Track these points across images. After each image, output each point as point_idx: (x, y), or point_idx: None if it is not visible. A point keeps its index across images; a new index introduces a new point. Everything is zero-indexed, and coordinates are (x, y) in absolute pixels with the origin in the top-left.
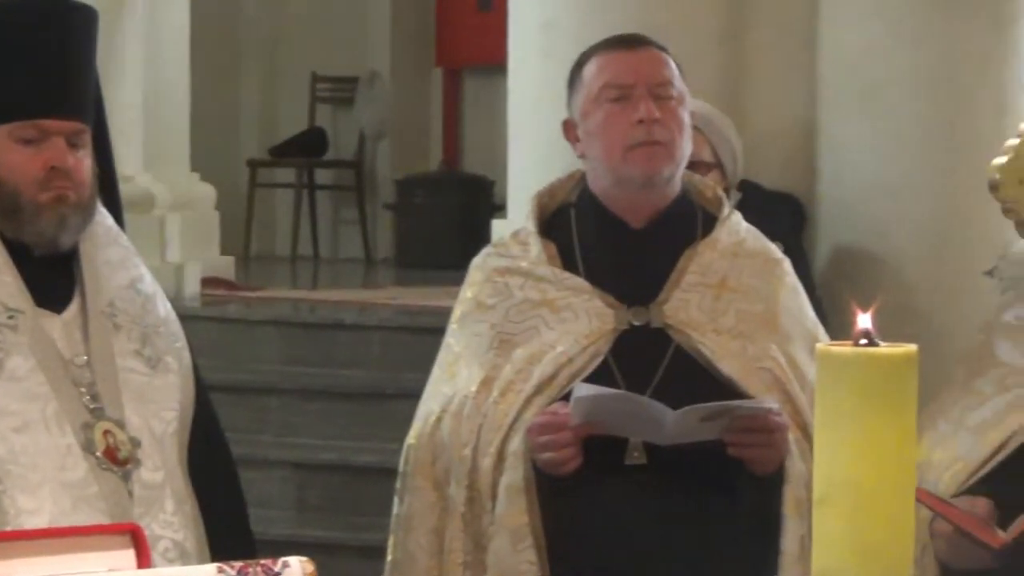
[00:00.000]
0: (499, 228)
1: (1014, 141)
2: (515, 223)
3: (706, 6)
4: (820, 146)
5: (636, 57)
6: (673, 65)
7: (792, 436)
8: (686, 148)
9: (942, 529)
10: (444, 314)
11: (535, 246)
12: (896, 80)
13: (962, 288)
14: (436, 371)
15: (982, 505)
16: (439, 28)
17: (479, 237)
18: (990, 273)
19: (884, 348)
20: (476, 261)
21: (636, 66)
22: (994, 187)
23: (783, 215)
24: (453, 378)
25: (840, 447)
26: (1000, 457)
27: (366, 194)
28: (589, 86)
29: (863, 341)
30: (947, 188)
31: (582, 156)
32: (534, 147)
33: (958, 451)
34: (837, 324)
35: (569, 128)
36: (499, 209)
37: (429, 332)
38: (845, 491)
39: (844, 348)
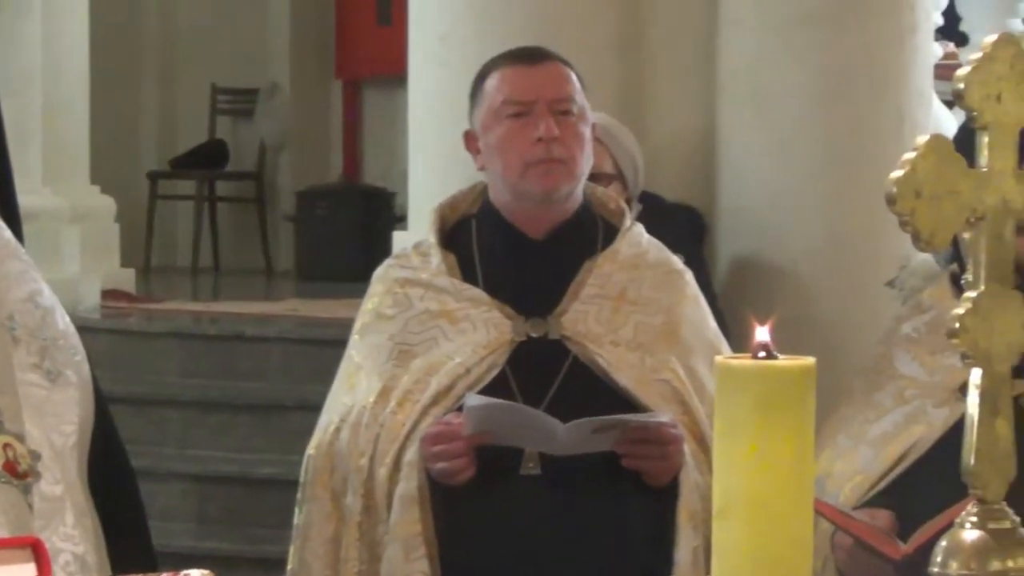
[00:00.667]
0: (400, 240)
1: (911, 155)
2: (416, 235)
3: (604, 18)
4: (719, 157)
5: (537, 73)
6: (575, 79)
7: (688, 448)
8: (586, 164)
9: (843, 542)
10: (345, 326)
11: (436, 257)
12: (793, 91)
13: (861, 298)
14: (337, 382)
15: (883, 517)
16: (339, 40)
17: (380, 249)
18: (891, 284)
19: (782, 361)
20: (378, 273)
21: (537, 82)
22: (891, 200)
23: (683, 226)
24: (353, 388)
25: (739, 460)
26: (900, 469)
27: (267, 206)
28: (490, 100)
29: (761, 354)
30: (845, 199)
31: (482, 169)
32: (434, 158)
33: (858, 464)
34: (738, 335)
35: (470, 140)
36: (400, 221)
37: (330, 344)
38: (744, 504)
39: (742, 361)
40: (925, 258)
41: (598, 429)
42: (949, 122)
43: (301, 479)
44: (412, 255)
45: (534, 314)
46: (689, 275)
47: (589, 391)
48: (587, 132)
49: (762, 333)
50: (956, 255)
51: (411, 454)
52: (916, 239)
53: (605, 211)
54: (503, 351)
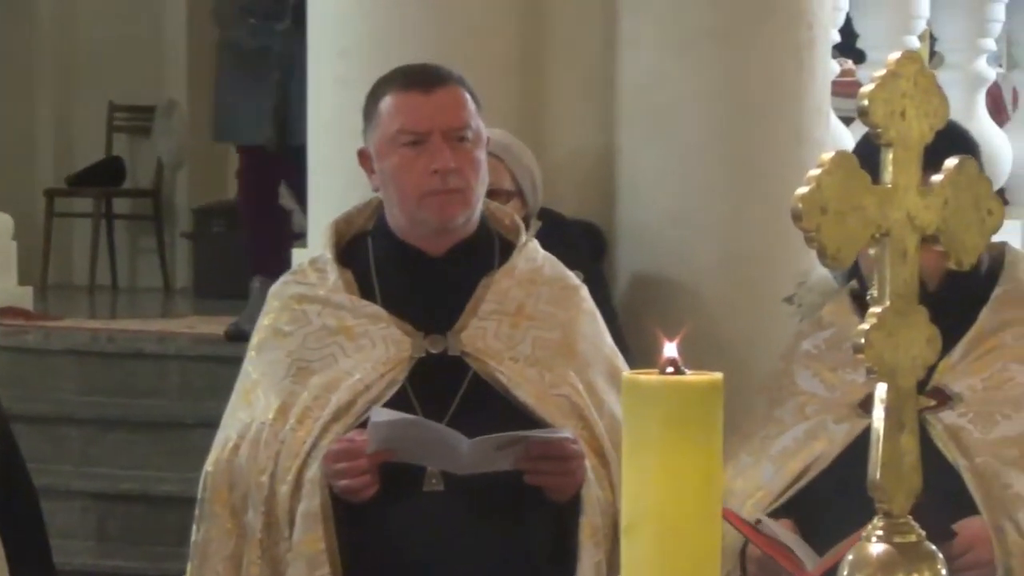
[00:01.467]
0: (299, 256)
1: (816, 171)
2: (316, 251)
3: (503, 35)
4: (618, 174)
5: (432, 101)
6: (469, 102)
7: (589, 464)
8: (481, 188)
9: (754, 553)
10: (240, 344)
11: (332, 274)
12: (692, 107)
13: (760, 315)
14: (234, 398)
15: (787, 526)
16: None
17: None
18: (789, 300)
19: (690, 376)
20: (274, 289)
21: (432, 111)
22: (797, 216)
23: (583, 243)
24: (250, 405)
25: (647, 475)
26: (801, 484)
27: (164, 223)
28: (385, 126)
29: (669, 369)
30: (744, 215)
31: (377, 190)
32: (334, 175)
33: (759, 480)
34: (639, 351)
35: (364, 159)
36: (298, 238)
37: (229, 361)
38: (652, 519)
39: (650, 376)
40: (823, 274)
41: (502, 446)
42: (847, 138)
43: (199, 496)
44: (308, 271)
45: (433, 330)
46: (584, 290)
47: (489, 407)
48: (482, 155)
49: (670, 349)
50: (855, 272)
51: (313, 471)
52: (822, 255)
53: (501, 227)
54: (403, 368)
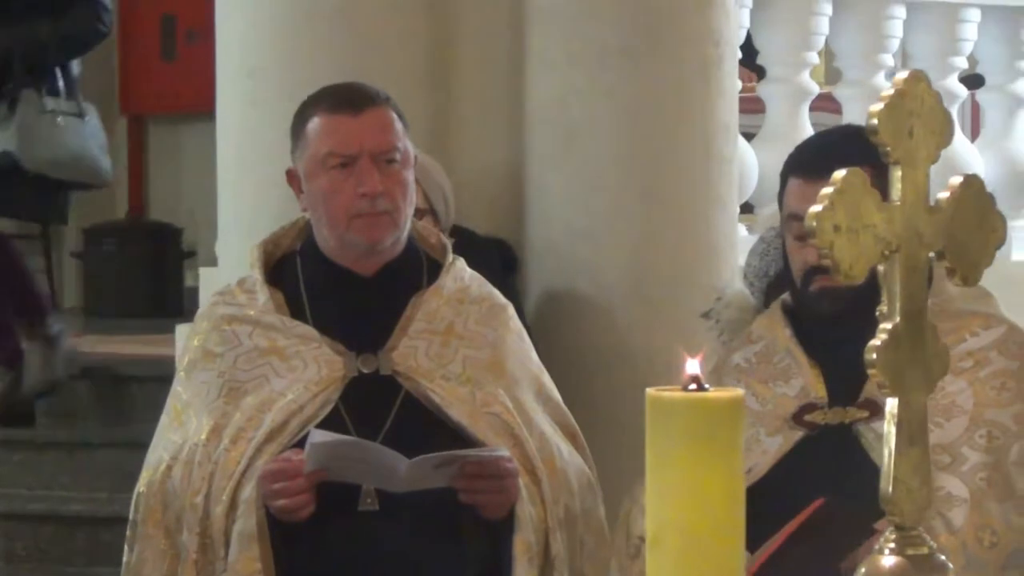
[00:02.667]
0: (208, 276)
1: (829, 190)
2: (225, 272)
3: (412, 53)
4: (527, 191)
5: (360, 123)
6: (397, 123)
7: (522, 481)
8: (409, 210)
9: None
10: (141, 363)
11: (262, 294)
12: (601, 125)
13: (669, 330)
14: (164, 418)
15: None
16: (122, 76)
17: (168, 285)
18: (706, 315)
19: (712, 392)
20: (203, 310)
21: (360, 133)
22: (811, 234)
23: (495, 260)
24: (182, 426)
25: (670, 490)
26: None
27: (52, 243)
28: (313, 148)
29: (692, 386)
30: (653, 232)
31: (305, 210)
32: (242, 195)
33: None
34: (548, 366)
35: (292, 179)
36: (189, 256)
37: (125, 381)
38: (675, 533)
39: (673, 393)
40: (740, 290)
41: (439, 464)
42: (750, 154)
43: (131, 517)
44: (237, 292)
45: (364, 350)
46: (511, 309)
47: (422, 426)
48: (411, 176)
49: (692, 365)
50: (784, 286)
51: (248, 492)
52: (836, 271)
53: (428, 246)
54: (335, 387)
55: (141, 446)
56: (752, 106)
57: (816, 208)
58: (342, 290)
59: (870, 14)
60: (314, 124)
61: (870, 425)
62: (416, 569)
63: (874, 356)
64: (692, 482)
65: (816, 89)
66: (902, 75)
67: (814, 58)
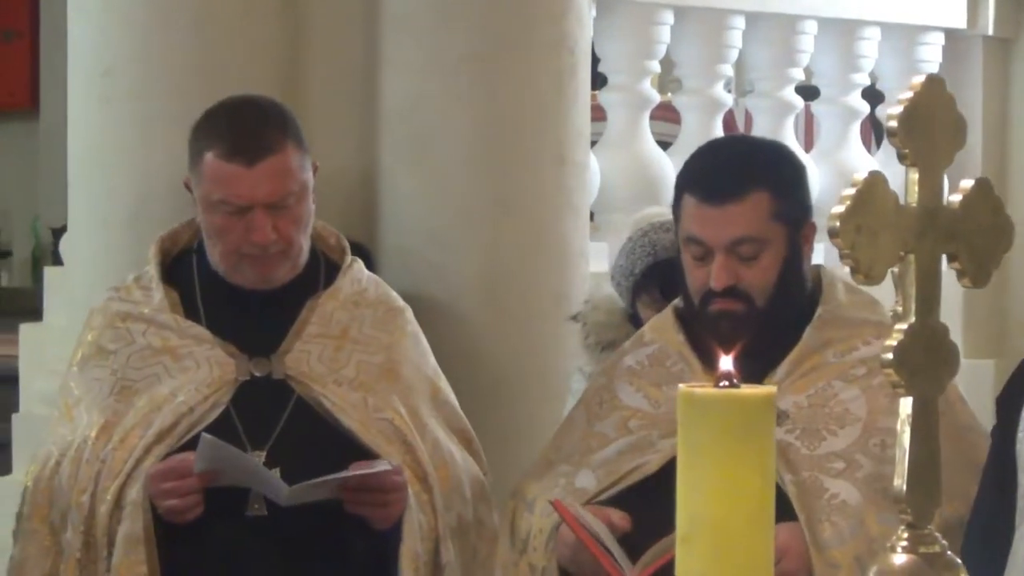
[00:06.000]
0: (54, 277)
1: (850, 191)
2: (74, 272)
3: (266, 57)
4: (380, 196)
5: (253, 176)
6: (294, 159)
7: (413, 489)
8: (306, 235)
9: (567, 537)
10: None
11: (157, 292)
12: (454, 131)
13: (521, 334)
14: (56, 413)
15: (623, 520)
16: None
17: None
18: (575, 318)
19: (744, 390)
20: (97, 305)
21: (253, 186)
22: (833, 234)
23: None
24: (72, 421)
25: (702, 486)
26: (622, 486)
27: None
28: (205, 188)
29: (724, 383)
30: (504, 236)
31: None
32: (95, 195)
33: (577, 486)
34: None
35: (188, 188)
36: (4, 256)
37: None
38: (707, 529)
39: (706, 390)
40: (608, 294)
41: (319, 486)
42: (591, 160)
43: (17, 511)
44: (133, 288)
45: (258, 353)
46: (409, 312)
47: (313, 430)
48: (308, 201)
49: (726, 362)
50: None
51: (135, 493)
52: (855, 271)
53: (326, 247)
54: (227, 390)
55: None
56: (593, 114)
57: (839, 208)
58: (236, 294)
59: (709, 24)
60: (208, 164)
61: None
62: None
63: (889, 356)
64: (725, 478)
65: (656, 98)
66: (919, 79)
67: (655, 67)
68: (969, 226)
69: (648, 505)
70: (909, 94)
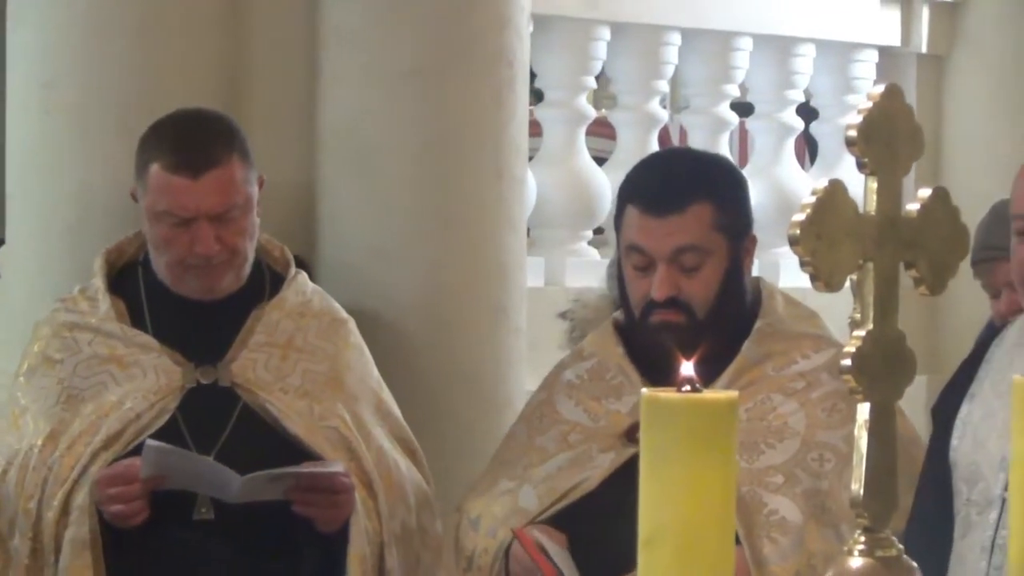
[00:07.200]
0: None
1: (810, 199)
2: (12, 285)
3: (205, 70)
4: (320, 211)
5: (198, 188)
6: (239, 170)
7: (359, 495)
8: (251, 244)
9: (521, 556)
10: None
11: (104, 303)
12: (395, 145)
13: (462, 349)
14: (2, 423)
15: (560, 541)
16: None
17: None
18: (563, 316)
19: (707, 394)
20: (44, 316)
21: (198, 199)
22: (794, 242)
23: None
24: (19, 431)
25: (666, 490)
26: (560, 506)
27: None
28: (151, 199)
29: (686, 387)
30: (444, 250)
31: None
32: (34, 207)
33: (520, 503)
34: None
35: (134, 197)
36: None
37: None
38: (671, 533)
39: (670, 394)
40: (599, 292)
41: (272, 479)
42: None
43: None
44: (79, 299)
45: (204, 361)
46: (352, 324)
47: (260, 438)
48: (252, 212)
49: (687, 368)
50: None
51: (82, 498)
52: (815, 279)
53: (271, 258)
54: (173, 397)
55: None
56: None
57: (799, 216)
58: (183, 302)
59: (645, 40)
60: (154, 175)
61: None
62: None
63: (848, 362)
64: (688, 483)
65: (593, 113)
66: (878, 89)
67: (591, 82)
68: (928, 234)
69: (588, 520)
70: (868, 104)
